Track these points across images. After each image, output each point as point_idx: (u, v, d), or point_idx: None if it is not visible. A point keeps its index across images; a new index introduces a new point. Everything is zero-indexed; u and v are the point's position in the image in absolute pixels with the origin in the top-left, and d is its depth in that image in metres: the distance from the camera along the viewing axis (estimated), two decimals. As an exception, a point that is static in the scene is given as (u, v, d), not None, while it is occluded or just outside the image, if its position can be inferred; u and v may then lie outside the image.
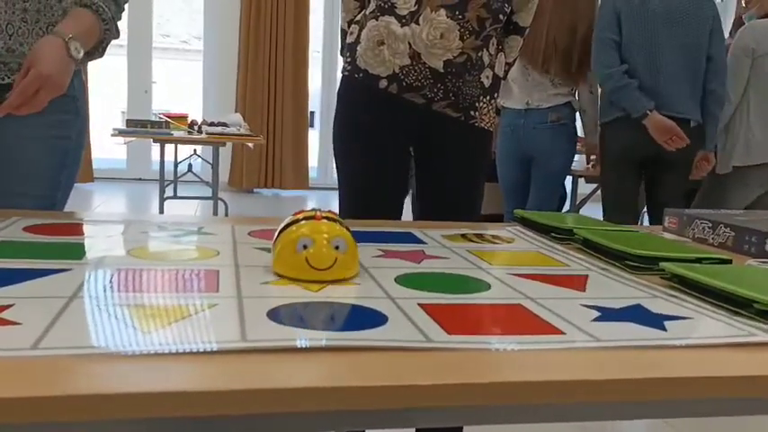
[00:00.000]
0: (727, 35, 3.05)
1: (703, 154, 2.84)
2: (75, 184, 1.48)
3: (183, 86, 16.89)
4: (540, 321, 0.69)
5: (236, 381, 0.51)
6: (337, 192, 1.67)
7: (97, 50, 1.33)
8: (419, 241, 1.09)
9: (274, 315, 0.65)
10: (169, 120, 4.89)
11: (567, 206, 3.66)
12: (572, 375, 0.56)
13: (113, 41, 1.35)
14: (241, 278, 0.79)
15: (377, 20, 1.54)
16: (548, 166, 3.03)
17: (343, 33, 1.68)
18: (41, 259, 0.82)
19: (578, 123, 3.12)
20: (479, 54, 1.54)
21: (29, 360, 0.52)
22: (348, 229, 0.83)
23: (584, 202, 3.91)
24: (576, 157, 3.32)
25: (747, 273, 0.91)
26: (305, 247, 0.78)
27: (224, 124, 4.88)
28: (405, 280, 0.83)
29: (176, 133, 4.75)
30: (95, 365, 0.52)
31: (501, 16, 1.55)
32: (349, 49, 1.62)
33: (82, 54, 1.22)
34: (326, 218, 0.82)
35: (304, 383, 0.51)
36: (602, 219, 2.39)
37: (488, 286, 0.83)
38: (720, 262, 0.97)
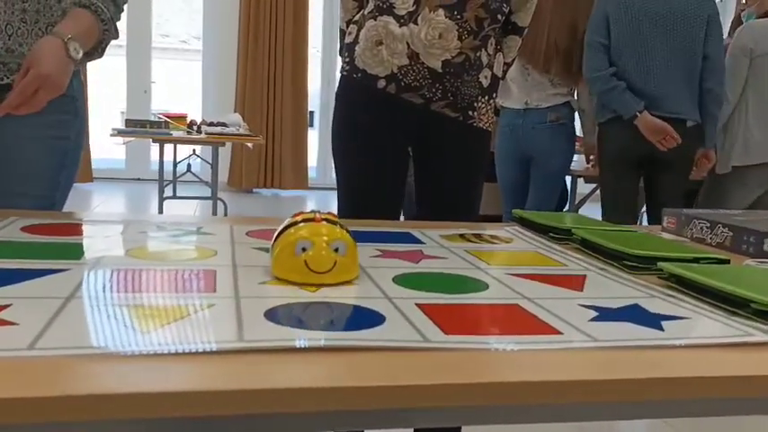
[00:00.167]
0: (726, 35, 3.05)
1: (703, 152, 2.84)
2: (75, 184, 1.48)
3: (183, 86, 16.87)
4: (538, 321, 0.69)
5: (233, 381, 0.51)
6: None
7: (96, 51, 1.34)
8: (417, 241, 1.09)
9: (271, 315, 0.65)
10: (168, 120, 4.89)
11: (566, 206, 3.66)
12: (569, 375, 0.56)
13: (112, 41, 1.35)
14: (239, 278, 0.79)
15: (375, 20, 1.54)
16: (547, 165, 3.03)
17: (342, 33, 1.68)
18: (39, 259, 0.82)
19: (577, 123, 3.13)
20: (478, 54, 1.54)
21: (26, 360, 0.52)
22: (348, 231, 0.82)
23: (583, 201, 3.91)
24: (575, 156, 3.33)
25: (745, 273, 0.91)
26: (304, 249, 0.77)
27: (223, 124, 4.88)
28: (403, 280, 0.83)
29: (175, 133, 4.75)
30: (92, 365, 0.52)
31: (499, 16, 1.55)
32: (347, 49, 1.62)
33: (81, 54, 1.22)
34: (326, 220, 0.81)
35: (302, 384, 0.51)
36: (600, 219, 2.39)
37: (486, 286, 0.83)
38: (718, 262, 0.97)
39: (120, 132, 4.64)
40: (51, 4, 1.33)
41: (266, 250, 0.85)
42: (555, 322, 0.69)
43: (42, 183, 1.37)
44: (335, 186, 1.68)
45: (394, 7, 1.52)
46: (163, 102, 11.10)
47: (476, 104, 1.59)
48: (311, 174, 7.46)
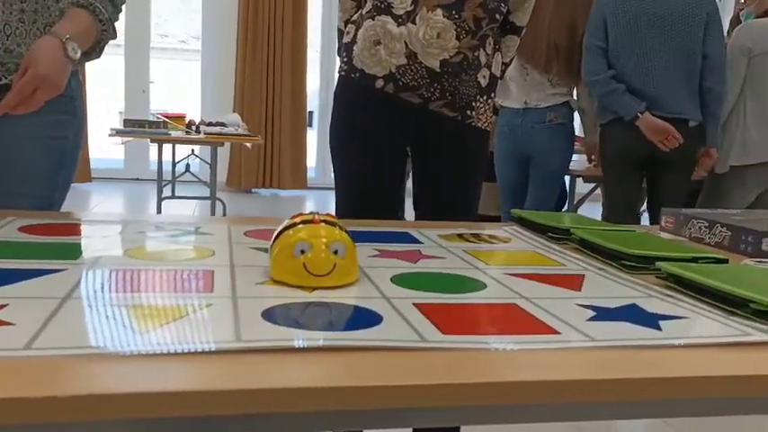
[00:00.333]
0: (724, 34, 3.05)
1: (705, 151, 2.83)
2: (73, 184, 1.48)
3: (181, 86, 16.87)
4: (536, 321, 0.69)
5: (231, 381, 0.51)
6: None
7: (94, 51, 1.34)
8: (415, 241, 1.09)
9: (269, 315, 0.65)
10: (167, 120, 4.88)
11: (565, 206, 3.66)
12: (567, 375, 0.56)
13: (111, 41, 1.35)
14: (236, 278, 0.79)
15: (373, 19, 1.54)
16: (546, 165, 3.03)
17: (340, 33, 1.68)
18: (36, 259, 0.82)
19: (576, 123, 3.13)
20: (476, 54, 1.54)
21: (22, 360, 0.52)
22: (347, 232, 0.81)
23: (582, 201, 3.91)
24: (575, 156, 3.33)
25: (743, 272, 0.91)
26: (302, 252, 0.76)
27: (222, 124, 4.88)
28: (401, 280, 0.83)
29: (174, 133, 4.74)
30: (88, 365, 0.52)
31: (497, 16, 1.55)
32: (345, 49, 1.62)
33: (79, 54, 1.22)
34: (325, 221, 0.80)
35: (299, 383, 0.51)
36: (600, 218, 2.39)
37: (484, 286, 0.83)
38: (717, 261, 0.97)
39: (118, 132, 4.64)
40: (49, 5, 1.32)
41: (264, 250, 0.85)
42: (553, 322, 0.69)
43: (41, 182, 1.37)
44: (334, 186, 1.68)
45: (392, 7, 1.52)
46: (161, 102, 11.09)
47: (474, 104, 1.59)
48: (310, 174, 7.45)
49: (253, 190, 7.16)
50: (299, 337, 0.59)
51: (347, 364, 0.55)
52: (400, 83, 1.54)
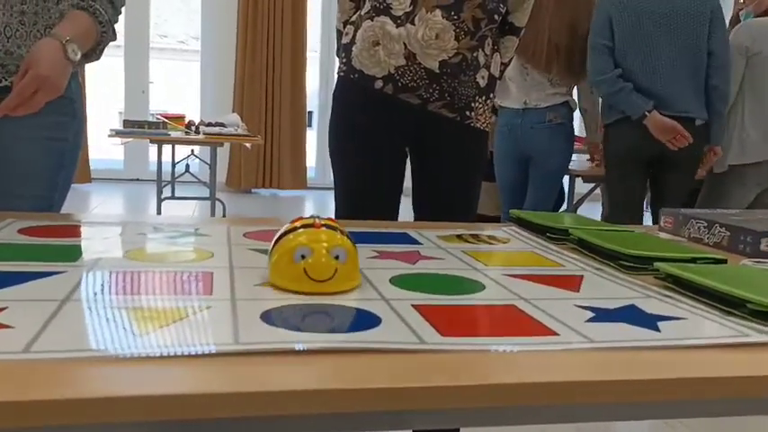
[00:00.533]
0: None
1: (709, 148, 2.83)
2: (73, 185, 1.48)
3: (181, 87, 16.88)
4: (534, 322, 0.69)
5: (229, 384, 0.51)
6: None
7: (94, 53, 1.34)
8: (414, 242, 1.09)
9: (267, 317, 0.65)
10: (166, 120, 4.88)
11: (564, 205, 3.66)
12: (566, 376, 0.56)
13: (111, 42, 1.35)
14: (235, 280, 0.79)
15: (372, 20, 1.54)
16: (545, 165, 3.03)
17: (339, 34, 1.68)
18: (36, 262, 0.82)
19: (576, 123, 3.12)
20: (475, 54, 1.54)
21: (21, 364, 0.52)
22: (350, 237, 0.79)
23: (581, 201, 3.91)
24: (574, 156, 3.33)
25: (742, 273, 0.91)
26: (303, 257, 0.74)
27: (221, 124, 4.88)
28: (399, 281, 0.83)
29: (174, 134, 4.74)
30: (87, 368, 0.52)
31: (496, 16, 1.55)
32: (344, 50, 1.62)
33: (79, 56, 1.22)
34: (326, 225, 0.78)
35: (298, 386, 0.51)
36: (599, 218, 2.39)
37: (483, 287, 0.83)
38: (715, 262, 0.97)
39: (118, 133, 4.64)
40: (49, 6, 1.33)
41: (263, 252, 0.85)
42: (551, 323, 0.69)
43: (40, 183, 1.38)
44: (333, 187, 1.68)
45: (391, 8, 1.52)
46: (161, 102, 11.09)
47: (473, 105, 1.59)
48: (310, 174, 7.45)
49: (252, 190, 7.16)
50: (298, 340, 0.59)
51: (346, 367, 0.55)
52: (399, 84, 1.54)
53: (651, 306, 0.77)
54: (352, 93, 1.61)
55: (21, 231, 1.00)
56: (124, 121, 4.88)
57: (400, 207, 1.67)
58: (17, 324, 0.59)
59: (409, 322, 0.66)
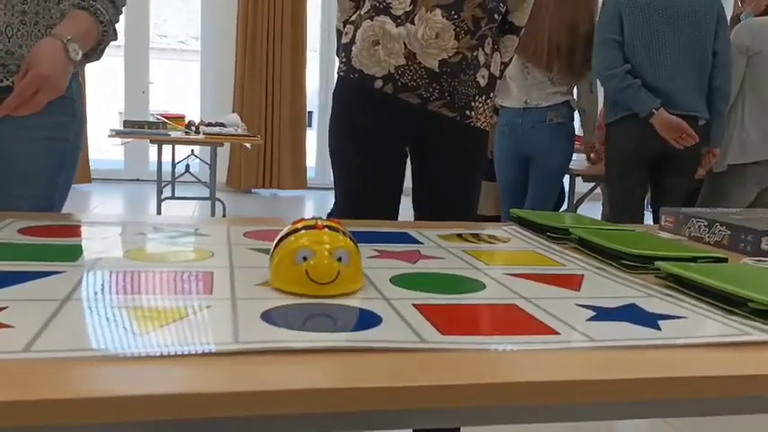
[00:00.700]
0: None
1: (708, 149, 2.83)
2: (73, 185, 1.48)
3: (181, 87, 16.88)
4: (535, 321, 0.69)
5: (229, 383, 0.51)
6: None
7: (95, 52, 1.34)
8: (415, 241, 1.09)
9: (267, 317, 0.65)
10: (166, 120, 4.88)
11: (564, 205, 3.66)
12: (567, 375, 0.56)
13: (111, 42, 1.35)
14: (235, 280, 0.79)
15: (372, 20, 1.54)
16: (546, 165, 3.03)
17: (339, 33, 1.68)
18: (36, 261, 0.82)
19: (576, 123, 3.12)
20: (475, 54, 1.54)
21: (21, 363, 0.52)
22: (352, 239, 0.78)
23: (581, 200, 3.91)
24: (574, 155, 3.32)
25: (743, 271, 0.91)
26: (305, 258, 0.73)
27: (221, 124, 4.88)
28: (400, 280, 0.83)
29: (174, 134, 4.74)
30: (87, 368, 0.52)
31: (496, 16, 1.55)
32: (344, 50, 1.62)
33: (80, 56, 1.22)
34: (328, 227, 0.77)
35: (298, 385, 0.51)
36: (600, 218, 2.39)
37: (483, 286, 0.83)
38: (716, 261, 0.97)
39: (118, 133, 4.64)
40: (50, 6, 1.33)
41: (263, 251, 0.85)
42: (552, 322, 0.69)
43: (41, 184, 1.37)
44: (333, 187, 1.68)
45: (391, 7, 1.52)
46: (161, 102, 11.09)
47: (473, 104, 1.59)
48: (310, 174, 7.45)
49: (252, 190, 7.16)
50: (298, 339, 0.59)
51: (346, 366, 0.55)
52: (399, 83, 1.53)
53: (652, 305, 0.77)
54: (352, 92, 1.61)
55: (21, 231, 1.00)
56: (124, 121, 4.88)
57: (400, 207, 1.67)
58: (17, 324, 0.59)
59: (410, 321, 0.66)
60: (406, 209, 1.64)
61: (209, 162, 4.93)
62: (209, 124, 4.87)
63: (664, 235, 1.25)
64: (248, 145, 5.66)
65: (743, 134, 2.91)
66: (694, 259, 0.95)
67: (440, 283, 0.83)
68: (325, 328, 0.65)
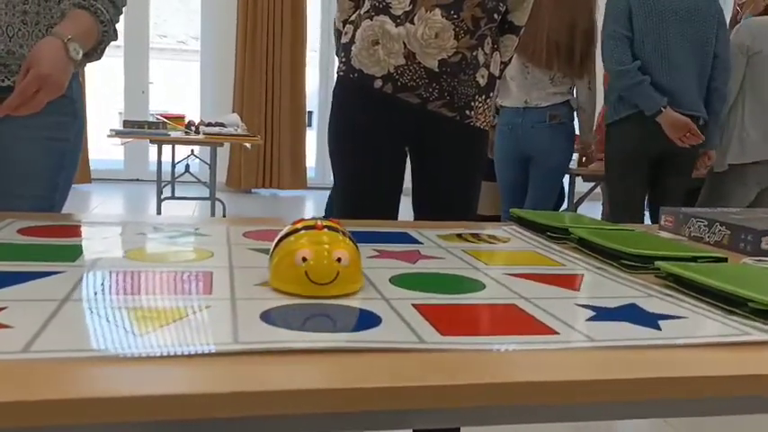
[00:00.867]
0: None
1: (704, 152, 2.84)
2: (73, 186, 1.48)
3: (181, 87, 16.89)
4: (535, 321, 0.69)
5: (228, 383, 0.50)
6: (334, 192, 1.67)
7: (95, 52, 1.33)
8: (415, 241, 1.09)
9: (267, 317, 0.65)
10: (166, 120, 4.88)
11: (564, 204, 3.66)
12: (567, 376, 0.56)
13: (111, 42, 1.35)
14: (235, 280, 0.79)
15: (371, 20, 1.54)
16: (546, 165, 3.03)
17: (338, 33, 1.68)
18: (35, 261, 0.82)
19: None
20: (474, 53, 1.54)
21: (20, 363, 0.51)
22: (352, 239, 0.78)
23: (581, 200, 3.91)
24: (574, 155, 3.33)
25: (743, 271, 0.91)
26: (304, 259, 0.73)
27: (221, 124, 4.88)
28: (399, 280, 0.82)
29: (174, 134, 4.75)
30: (87, 368, 0.52)
31: (496, 15, 1.55)
32: (344, 50, 1.62)
33: (81, 55, 1.22)
34: (328, 227, 0.77)
35: (298, 386, 0.51)
36: (600, 218, 2.39)
37: (483, 286, 0.82)
38: (716, 260, 0.97)
39: (117, 133, 4.64)
40: (51, 6, 1.33)
41: (263, 251, 0.85)
42: (552, 322, 0.69)
43: (41, 184, 1.37)
44: (333, 186, 1.68)
45: (390, 7, 1.52)
46: (161, 102, 11.09)
47: (473, 104, 1.58)
48: (310, 174, 7.45)
49: (252, 190, 7.16)
50: (298, 339, 0.59)
51: (345, 366, 0.55)
52: (399, 83, 1.53)
53: (652, 305, 0.77)
54: (352, 92, 1.60)
55: (20, 231, 0.99)
56: (124, 121, 4.88)
57: (400, 207, 1.67)
58: (16, 324, 0.59)
59: (409, 322, 0.66)
60: (406, 209, 1.64)
61: (208, 162, 4.93)
62: (209, 124, 4.88)
63: (664, 235, 1.25)
64: (248, 145, 5.67)
65: (743, 134, 2.92)
66: (694, 259, 0.95)
67: (439, 283, 0.83)
68: (324, 328, 0.65)
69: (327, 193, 5.81)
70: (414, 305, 0.72)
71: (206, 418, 0.49)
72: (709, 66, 2.73)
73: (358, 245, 0.79)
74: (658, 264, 0.88)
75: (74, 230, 1.07)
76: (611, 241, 0.99)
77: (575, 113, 3.07)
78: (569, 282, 0.88)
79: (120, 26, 1.36)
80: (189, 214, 5.30)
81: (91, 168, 6.75)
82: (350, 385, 0.52)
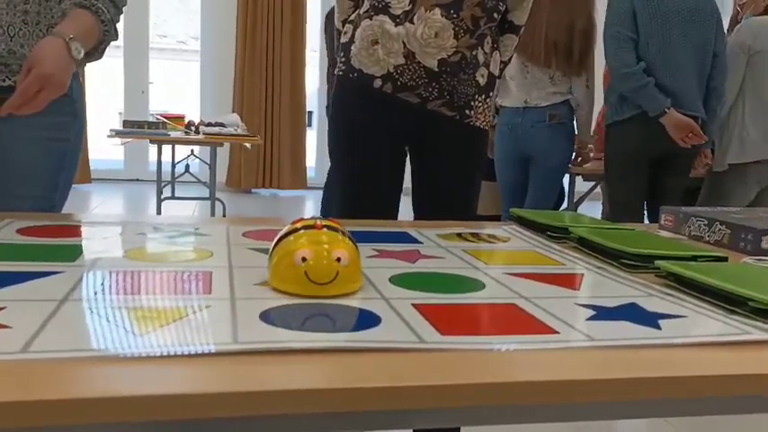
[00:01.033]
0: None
1: (702, 151, 2.84)
2: (73, 186, 1.48)
3: (180, 87, 16.89)
4: (535, 321, 0.69)
5: (228, 383, 0.50)
6: (334, 191, 1.67)
7: (96, 52, 1.33)
8: (414, 241, 1.09)
9: (266, 317, 0.65)
10: (166, 120, 4.88)
11: (564, 204, 3.66)
12: (567, 375, 0.56)
13: (111, 42, 1.35)
14: (234, 279, 0.79)
15: (371, 19, 1.54)
16: (546, 164, 3.04)
17: (338, 33, 1.68)
18: (34, 261, 0.82)
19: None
20: (474, 53, 1.54)
21: (18, 363, 0.51)
22: (351, 239, 0.78)
23: (581, 200, 3.91)
24: (574, 155, 3.33)
25: (743, 270, 0.91)
26: (304, 259, 0.73)
27: (221, 124, 4.88)
28: (399, 280, 0.82)
29: (173, 134, 4.74)
30: (86, 368, 0.52)
31: (495, 15, 1.55)
32: (343, 49, 1.62)
33: (82, 54, 1.22)
34: (327, 227, 0.77)
35: (297, 385, 0.51)
36: (600, 217, 2.39)
37: (483, 286, 0.82)
38: (716, 260, 0.97)
39: (117, 133, 4.64)
40: (52, 6, 1.33)
41: (262, 251, 0.85)
42: (552, 322, 0.69)
43: (41, 184, 1.37)
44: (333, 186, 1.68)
45: (390, 6, 1.51)
46: (161, 102, 11.10)
47: (473, 103, 1.58)
48: (310, 174, 7.45)
49: (252, 190, 7.17)
50: (297, 339, 0.59)
51: (345, 366, 0.55)
52: (398, 82, 1.53)
53: (652, 304, 0.77)
54: (352, 92, 1.60)
55: (19, 231, 0.99)
56: (124, 121, 4.88)
57: (400, 207, 1.67)
58: (15, 324, 0.59)
59: (409, 321, 0.66)
60: (406, 209, 1.64)
61: (208, 162, 4.93)
62: (209, 124, 4.88)
63: (663, 234, 1.25)
64: (248, 145, 5.66)
65: (743, 133, 2.92)
66: (694, 258, 0.95)
67: (439, 283, 0.83)
68: (324, 328, 0.65)
69: (327, 193, 5.80)
70: (413, 305, 0.72)
71: (206, 418, 0.49)
72: (708, 65, 2.74)
73: (357, 244, 0.79)
74: (658, 263, 0.88)
75: (74, 230, 1.06)
76: (612, 241, 0.99)
77: (574, 113, 3.07)
78: (569, 281, 0.88)
79: (120, 26, 1.36)
80: (189, 214, 5.30)
81: (91, 168, 6.75)
82: (350, 385, 0.52)
